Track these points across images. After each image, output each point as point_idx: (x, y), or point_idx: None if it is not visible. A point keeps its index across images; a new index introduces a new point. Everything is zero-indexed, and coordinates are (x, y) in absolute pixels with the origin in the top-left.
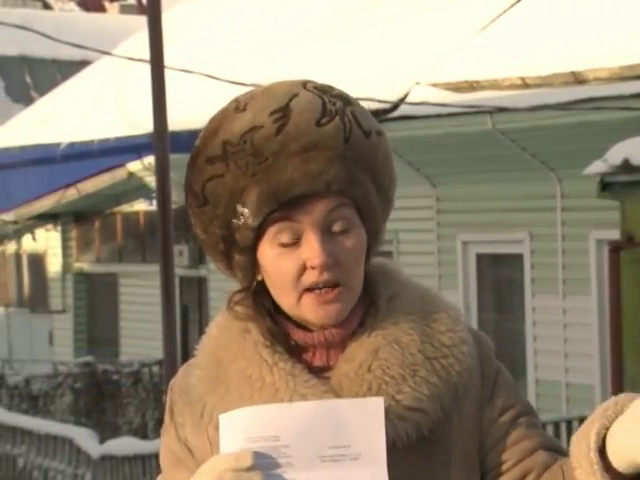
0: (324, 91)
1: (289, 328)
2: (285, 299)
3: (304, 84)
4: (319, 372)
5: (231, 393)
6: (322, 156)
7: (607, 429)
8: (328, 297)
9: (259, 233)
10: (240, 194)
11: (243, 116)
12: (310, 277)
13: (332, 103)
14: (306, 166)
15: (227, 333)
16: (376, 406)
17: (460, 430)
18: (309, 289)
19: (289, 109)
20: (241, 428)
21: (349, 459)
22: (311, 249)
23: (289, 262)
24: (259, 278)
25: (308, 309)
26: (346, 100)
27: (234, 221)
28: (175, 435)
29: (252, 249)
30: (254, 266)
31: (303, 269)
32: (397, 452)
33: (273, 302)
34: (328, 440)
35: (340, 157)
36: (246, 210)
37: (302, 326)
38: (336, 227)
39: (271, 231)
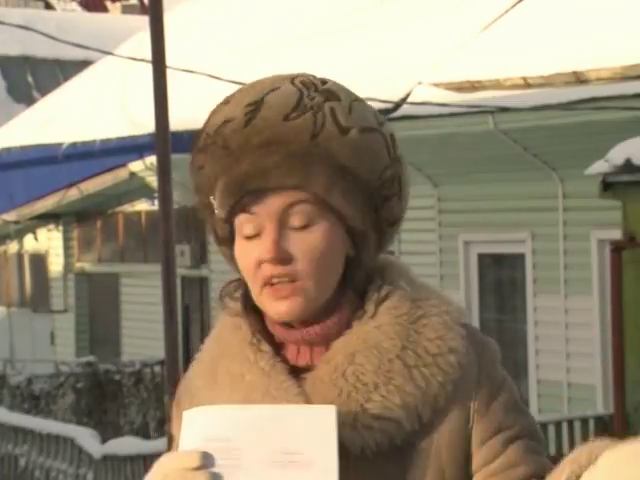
0: (308, 86)
1: (271, 324)
2: (252, 292)
3: (293, 78)
4: (301, 371)
5: (217, 389)
6: (281, 151)
7: (578, 477)
8: (282, 292)
9: (232, 225)
10: (213, 185)
11: (223, 109)
12: (264, 271)
13: (310, 98)
14: (262, 160)
15: (223, 328)
16: (327, 415)
17: (440, 444)
18: (266, 283)
19: (262, 102)
20: (200, 427)
21: (300, 466)
22: (264, 243)
23: (250, 255)
24: None
25: (266, 303)
26: (331, 95)
27: (214, 212)
28: (177, 426)
29: (231, 241)
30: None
31: (260, 262)
32: (367, 461)
33: None
34: (280, 445)
35: (303, 153)
36: (215, 202)
37: (286, 322)
38: (294, 222)
39: (237, 223)
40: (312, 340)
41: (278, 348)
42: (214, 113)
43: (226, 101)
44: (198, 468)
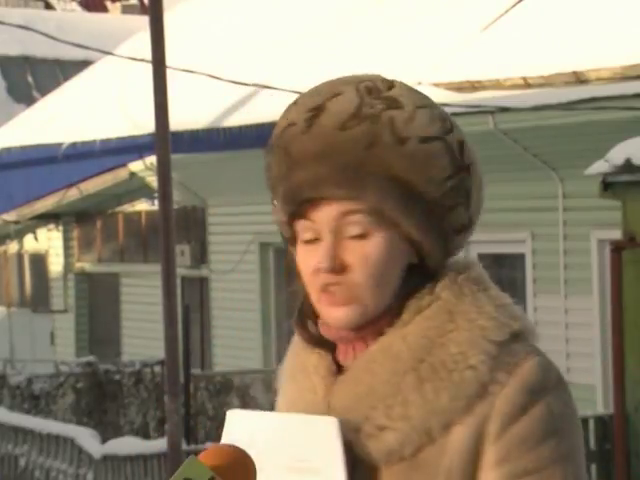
0: (371, 91)
1: (320, 322)
2: (311, 297)
3: (359, 82)
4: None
5: (283, 387)
6: (335, 161)
7: None
8: (336, 299)
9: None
10: (276, 187)
11: (291, 110)
12: (320, 278)
13: (370, 106)
14: (317, 170)
15: None
16: (327, 425)
17: (451, 460)
18: (323, 290)
19: (323, 109)
20: (235, 429)
21: (310, 473)
22: (319, 251)
23: (308, 261)
24: None
25: (323, 309)
26: (392, 103)
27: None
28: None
29: (295, 242)
30: None
31: (317, 270)
32: (376, 471)
33: None
34: (293, 452)
35: (357, 164)
36: (277, 204)
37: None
38: (351, 232)
39: (297, 227)
40: (349, 338)
41: (332, 346)
42: (284, 113)
43: (295, 102)
44: None
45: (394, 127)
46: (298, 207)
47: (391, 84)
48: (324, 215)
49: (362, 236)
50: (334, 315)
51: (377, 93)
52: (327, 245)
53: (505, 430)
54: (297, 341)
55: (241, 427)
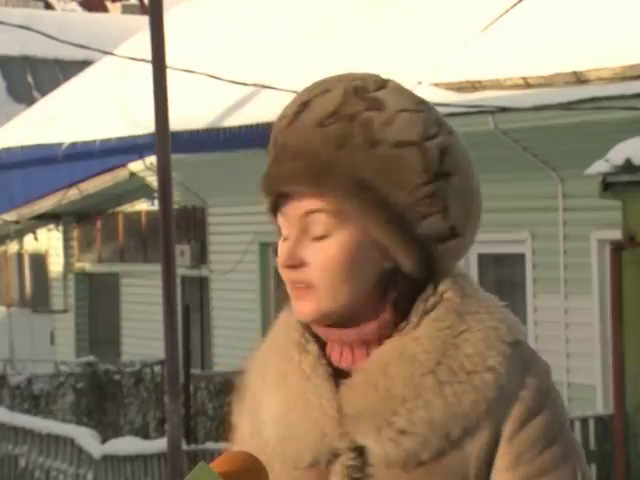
0: (358, 91)
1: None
2: None
3: (352, 80)
4: (344, 373)
5: (265, 386)
6: (308, 158)
7: None
8: (298, 294)
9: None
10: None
11: (288, 103)
12: (284, 273)
13: (350, 105)
14: (289, 165)
15: (278, 324)
16: None
17: (469, 464)
18: (289, 284)
19: (308, 105)
20: None
21: None
22: (282, 247)
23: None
24: None
25: (292, 302)
26: (374, 103)
27: None
28: (237, 415)
29: None
30: None
31: (280, 264)
32: (394, 475)
33: None
34: None
35: (325, 162)
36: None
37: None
38: (314, 231)
39: (279, 223)
40: (352, 343)
41: (324, 348)
42: (287, 105)
43: (297, 94)
44: None
45: (369, 129)
46: (274, 201)
47: (383, 85)
48: (293, 211)
49: (324, 236)
50: (297, 309)
51: (363, 93)
52: (289, 242)
53: (519, 431)
54: (275, 342)
55: None
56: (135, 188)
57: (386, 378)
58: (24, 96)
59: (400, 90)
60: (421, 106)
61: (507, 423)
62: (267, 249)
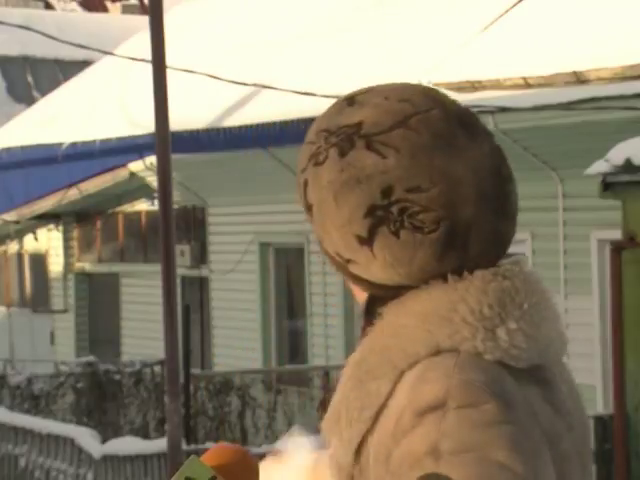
0: (340, 110)
1: None
2: None
3: (352, 96)
4: None
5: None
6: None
7: None
8: None
9: None
10: None
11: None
12: None
13: (328, 127)
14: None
15: None
16: None
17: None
18: None
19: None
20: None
21: None
22: None
23: None
24: None
25: None
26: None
27: None
28: None
29: None
30: None
31: None
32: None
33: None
34: None
35: (299, 178)
36: None
37: None
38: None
39: None
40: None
41: None
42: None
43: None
44: None
45: (310, 153)
46: None
47: (351, 102)
48: None
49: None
50: None
51: (339, 112)
52: None
53: (391, 451)
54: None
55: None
56: (135, 188)
57: (342, 376)
58: (24, 96)
59: (353, 110)
60: (330, 131)
61: (382, 443)
62: (267, 249)
